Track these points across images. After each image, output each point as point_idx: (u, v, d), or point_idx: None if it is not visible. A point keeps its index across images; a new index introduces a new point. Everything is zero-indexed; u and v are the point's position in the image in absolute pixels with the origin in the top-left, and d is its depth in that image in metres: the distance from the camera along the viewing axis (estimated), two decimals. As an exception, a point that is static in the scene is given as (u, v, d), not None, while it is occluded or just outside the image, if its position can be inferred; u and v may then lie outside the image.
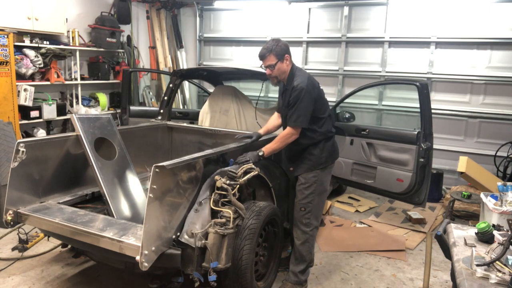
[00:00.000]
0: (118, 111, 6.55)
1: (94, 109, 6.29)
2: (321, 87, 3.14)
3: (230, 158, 3.00)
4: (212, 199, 2.59)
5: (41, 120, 5.49)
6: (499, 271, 1.70)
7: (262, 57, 2.97)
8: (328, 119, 3.12)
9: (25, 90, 5.13)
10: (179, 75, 4.50)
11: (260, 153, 2.99)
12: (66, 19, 5.78)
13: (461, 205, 4.90)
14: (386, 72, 6.28)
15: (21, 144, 2.77)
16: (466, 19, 5.70)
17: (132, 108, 5.70)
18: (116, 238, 2.39)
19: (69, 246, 3.40)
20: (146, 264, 2.24)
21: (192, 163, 2.60)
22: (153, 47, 7.66)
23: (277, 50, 2.93)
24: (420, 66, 6.07)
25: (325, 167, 3.09)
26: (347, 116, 4.84)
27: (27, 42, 5.31)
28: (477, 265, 1.75)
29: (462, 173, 4.89)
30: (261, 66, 3.04)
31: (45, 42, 5.53)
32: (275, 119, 3.38)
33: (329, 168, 3.15)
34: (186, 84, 7.63)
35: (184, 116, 5.41)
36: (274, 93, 6.97)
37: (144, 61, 7.60)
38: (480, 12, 5.61)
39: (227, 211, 2.54)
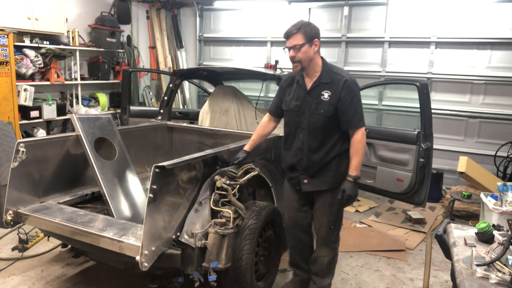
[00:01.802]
0: (118, 111, 6.55)
1: (94, 109, 6.29)
2: None
3: (230, 158, 2.99)
4: (212, 199, 2.59)
5: (41, 120, 5.49)
6: (499, 271, 1.70)
7: (288, 34, 2.53)
8: None
9: (25, 90, 5.13)
10: (179, 75, 4.50)
11: (358, 180, 2.61)
12: (66, 19, 5.78)
13: (461, 205, 4.90)
14: (386, 72, 6.28)
15: (21, 144, 2.77)
16: (466, 19, 5.70)
17: (132, 108, 5.70)
18: (116, 238, 2.39)
19: (69, 246, 3.40)
20: (146, 264, 2.24)
21: (192, 163, 2.60)
22: (153, 47, 7.66)
23: (307, 30, 2.51)
24: (420, 66, 6.07)
25: None
26: (347, 116, 4.83)
27: (27, 42, 5.31)
28: (477, 265, 1.74)
29: (462, 173, 4.89)
30: (284, 49, 2.60)
31: (45, 42, 5.53)
32: (263, 127, 2.94)
33: None
34: (186, 84, 7.63)
35: (184, 116, 5.41)
36: (274, 93, 6.94)
37: (144, 61, 7.60)
38: (480, 12, 5.61)
39: (227, 211, 2.54)
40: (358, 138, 2.58)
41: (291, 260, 3.12)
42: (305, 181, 2.73)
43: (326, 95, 2.58)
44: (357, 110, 2.58)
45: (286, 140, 2.85)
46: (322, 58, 2.67)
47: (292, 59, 2.56)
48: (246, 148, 2.93)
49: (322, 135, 2.64)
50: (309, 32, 2.52)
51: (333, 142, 2.64)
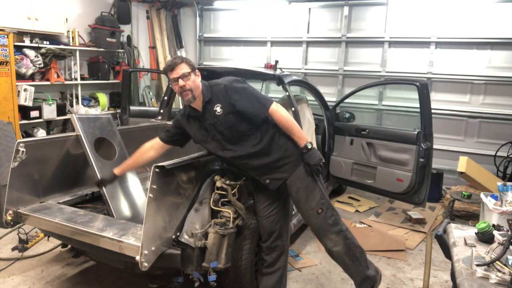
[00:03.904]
0: (118, 111, 6.54)
1: (94, 109, 6.29)
2: None
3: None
4: (212, 199, 2.59)
5: (41, 120, 5.49)
6: (499, 271, 1.70)
7: (173, 65, 2.49)
8: None
9: (25, 90, 5.13)
10: (179, 75, 4.50)
11: (310, 146, 2.54)
12: (66, 19, 5.78)
13: (461, 205, 4.90)
14: (386, 72, 6.28)
15: (21, 144, 2.77)
16: (466, 19, 5.70)
17: (132, 108, 5.69)
18: (116, 238, 2.39)
19: (69, 246, 3.40)
20: (146, 264, 2.24)
21: (192, 163, 2.60)
22: (153, 47, 7.66)
23: (188, 61, 2.54)
24: (420, 66, 6.07)
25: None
26: (347, 116, 4.84)
27: (27, 42, 5.31)
28: (477, 265, 1.74)
29: (462, 173, 4.89)
30: (168, 83, 2.57)
31: (45, 42, 5.53)
32: (141, 154, 2.87)
33: None
34: (186, 84, 7.62)
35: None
36: (274, 93, 6.96)
37: (144, 61, 7.60)
38: (480, 12, 5.61)
39: (227, 211, 2.54)
40: (278, 116, 2.53)
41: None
42: (268, 181, 2.63)
43: (218, 109, 2.52)
44: (254, 99, 2.52)
45: (228, 166, 2.80)
46: (203, 83, 2.61)
47: (183, 88, 2.49)
48: (117, 171, 2.94)
49: (243, 142, 2.56)
50: (190, 63, 2.55)
51: (258, 139, 2.56)
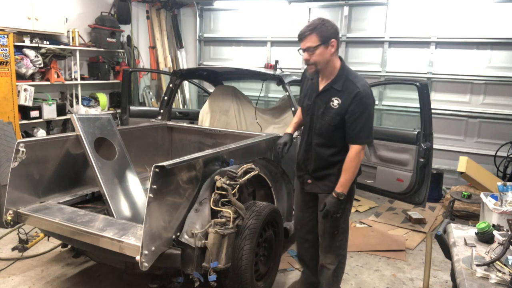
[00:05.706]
0: (118, 111, 6.55)
1: (94, 109, 6.29)
2: None
3: (230, 158, 2.99)
4: (212, 199, 2.59)
5: (41, 120, 5.49)
6: (499, 271, 1.70)
7: (301, 35, 2.39)
8: None
9: (25, 90, 5.13)
10: (179, 75, 4.50)
11: (341, 197, 2.45)
12: (66, 19, 5.78)
13: (461, 205, 4.90)
14: (386, 72, 6.28)
15: (21, 144, 2.77)
16: (466, 19, 5.70)
17: (132, 108, 5.70)
18: (116, 238, 2.39)
19: (69, 246, 3.40)
20: (146, 264, 2.24)
21: (192, 163, 2.60)
22: (153, 47, 7.66)
23: (322, 30, 2.34)
24: (420, 66, 6.07)
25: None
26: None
27: (27, 42, 5.31)
28: (477, 265, 1.75)
29: (462, 173, 4.89)
30: (298, 50, 2.48)
31: (45, 42, 5.53)
32: (300, 115, 2.88)
33: None
34: (186, 84, 7.63)
35: (184, 116, 5.41)
36: (274, 93, 6.96)
37: (144, 61, 7.60)
38: (480, 12, 5.61)
39: (227, 211, 2.54)
40: (351, 155, 2.44)
41: (298, 258, 3.05)
42: (309, 181, 2.68)
43: (335, 102, 2.45)
44: (364, 126, 2.42)
45: (302, 134, 2.78)
46: (341, 60, 2.52)
47: (306, 61, 2.43)
48: (290, 130, 2.89)
49: (327, 140, 2.55)
50: (324, 33, 2.35)
51: (339, 148, 2.52)
